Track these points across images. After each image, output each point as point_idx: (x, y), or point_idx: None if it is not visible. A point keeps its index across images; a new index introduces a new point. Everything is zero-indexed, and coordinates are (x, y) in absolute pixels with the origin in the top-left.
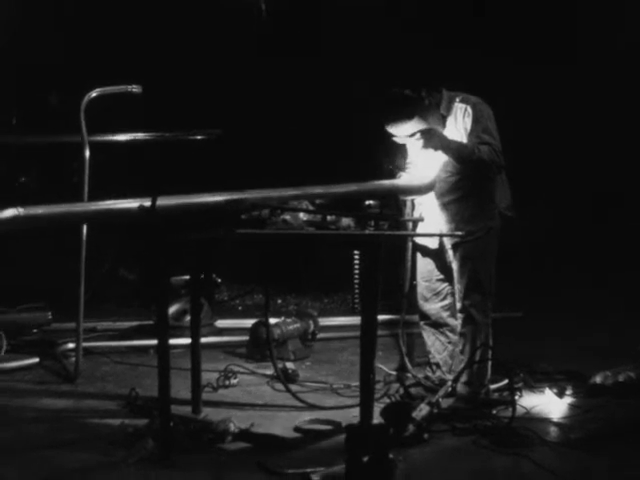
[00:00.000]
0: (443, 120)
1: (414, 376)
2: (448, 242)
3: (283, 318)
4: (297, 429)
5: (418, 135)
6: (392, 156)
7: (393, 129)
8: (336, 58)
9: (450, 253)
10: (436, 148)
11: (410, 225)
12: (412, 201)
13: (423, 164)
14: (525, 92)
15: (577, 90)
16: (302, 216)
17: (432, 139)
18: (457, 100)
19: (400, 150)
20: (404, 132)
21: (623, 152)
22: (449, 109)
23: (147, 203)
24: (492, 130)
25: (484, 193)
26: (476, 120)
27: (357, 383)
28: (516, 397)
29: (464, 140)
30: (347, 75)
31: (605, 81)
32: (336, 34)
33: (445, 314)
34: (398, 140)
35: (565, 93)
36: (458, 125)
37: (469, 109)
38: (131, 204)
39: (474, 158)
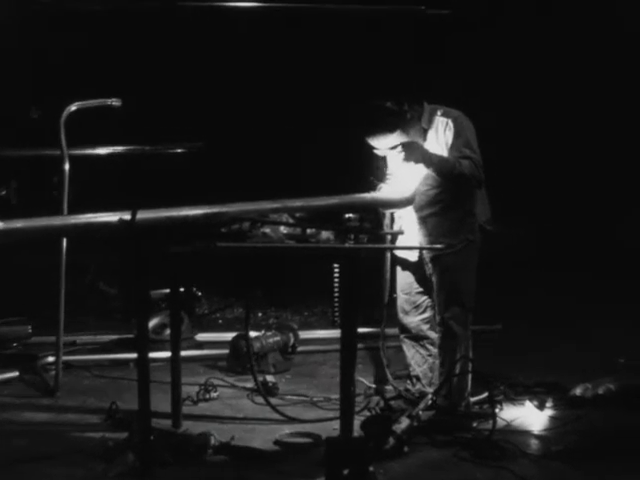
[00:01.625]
0: (424, 133)
1: (395, 387)
2: (427, 255)
3: (263, 331)
4: (277, 442)
5: (399, 148)
6: (372, 168)
7: (374, 141)
8: (317, 71)
9: (430, 266)
10: (417, 161)
11: (389, 238)
12: (391, 214)
13: (403, 176)
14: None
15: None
16: (282, 229)
17: (413, 152)
18: (438, 113)
19: (380, 162)
20: (385, 145)
21: (606, 162)
22: (430, 122)
23: (127, 216)
24: (473, 144)
25: (464, 206)
26: (457, 134)
27: (337, 396)
28: (496, 410)
29: (445, 154)
30: (327, 88)
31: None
32: (316, 47)
33: (425, 327)
34: (379, 152)
35: (548, 95)
36: (439, 139)
37: (450, 123)
38: (111, 217)
39: (455, 172)
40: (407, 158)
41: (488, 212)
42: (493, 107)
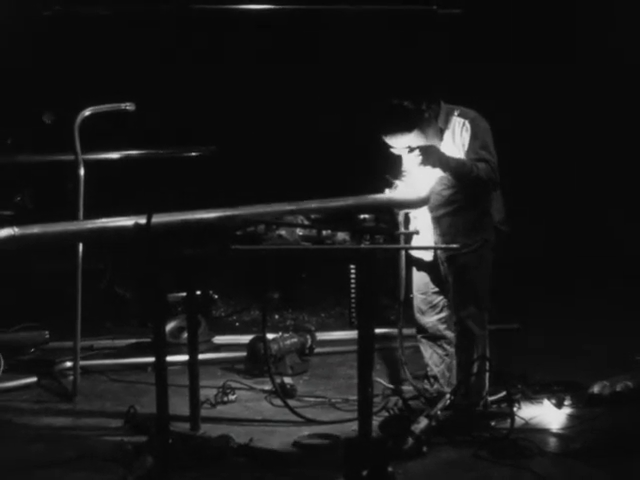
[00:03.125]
0: (441, 133)
1: (414, 386)
2: (443, 255)
3: (281, 333)
4: (296, 444)
5: (417, 152)
6: (388, 165)
7: (391, 140)
8: (333, 70)
9: (445, 266)
10: (434, 165)
11: (402, 238)
12: (406, 214)
13: (418, 176)
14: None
15: (575, 92)
16: (298, 231)
17: (431, 156)
18: (455, 114)
19: (396, 159)
20: (402, 144)
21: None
22: (447, 122)
23: (142, 220)
24: (490, 146)
25: (479, 206)
26: (474, 136)
27: (355, 397)
28: (514, 408)
29: (461, 155)
30: (344, 87)
31: (600, 85)
32: (332, 46)
33: (442, 327)
34: (395, 151)
35: (562, 96)
36: (456, 140)
37: (467, 124)
38: (126, 222)
39: (472, 176)
40: (424, 162)
41: (503, 212)
42: (508, 108)
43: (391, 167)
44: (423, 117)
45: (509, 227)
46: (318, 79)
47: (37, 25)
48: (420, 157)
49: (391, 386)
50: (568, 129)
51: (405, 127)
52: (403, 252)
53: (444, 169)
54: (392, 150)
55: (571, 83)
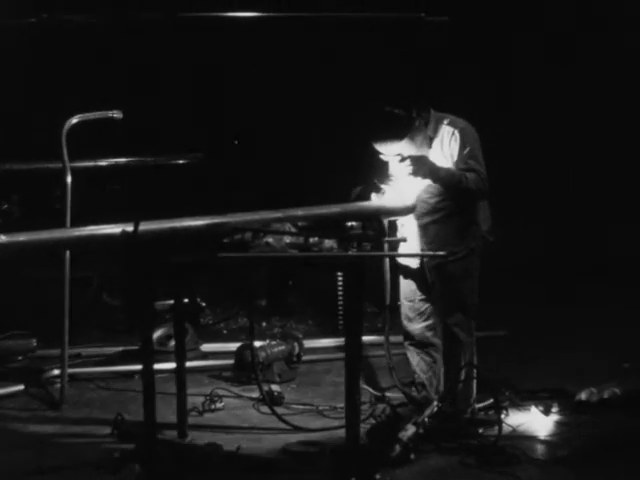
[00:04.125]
0: (430, 141)
1: (402, 391)
2: (430, 262)
3: (268, 341)
4: (284, 451)
5: (408, 162)
6: (376, 172)
7: (382, 147)
8: (320, 79)
9: (432, 273)
10: (425, 176)
11: (386, 246)
12: (394, 222)
13: (406, 183)
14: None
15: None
16: (285, 239)
17: (422, 167)
18: (445, 122)
19: (385, 166)
20: (392, 151)
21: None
22: (436, 131)
23: (130, 228)
24: (478, 156)
25: (465, 214)
26: (463, 146)
27: (343, 404)
28: (502, 415)
29: (450, 164)
30: (331, 95)
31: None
32: (321, 55)
33: (429, 334)
34: (384, 158)
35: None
36: (444, 149)
37: (457, 133)
38: (114, 229)
39: (462, 187)
40: (415, 173)
41: (489, 221)
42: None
43: (378, 172)
44: (414, 125)
45: (495, 236)
46: (307, 87)
47: (24, 32)
48: (411, 167)
49: (378, 393)
50: (564, 131)
51: (396, 135)
52: (387, 258)
53: (434, 180)
54: (381, 157)
55: (570, 84)
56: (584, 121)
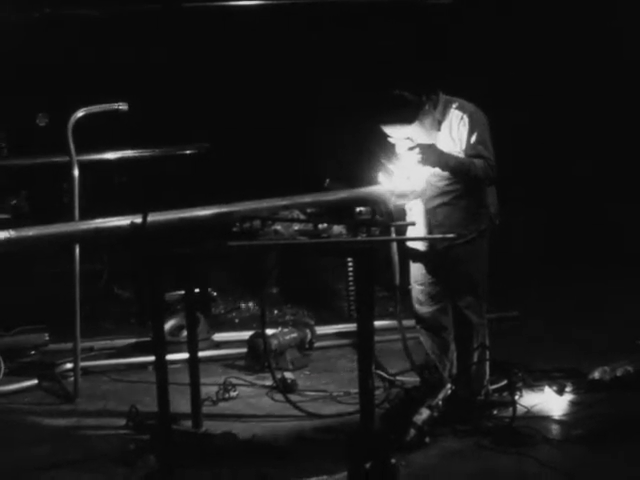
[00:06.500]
0: (438, 124)
1: (417, 373)
2: (439, 245)
3: (280, 328)
4: (299, 438)
5: (417, 150)
6: (385, 153)
7: (391, 131)
8: (326, 64)
9: (442, 256)
10: (434, 165)
11: (394, 230)
12: (402, 206)
13: (413, 167)
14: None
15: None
16: (294, 226)
17: (431, 156)
18: (453, 106)
19: (393, 149)
20: (401, 135)
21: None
22: (444, 114)
23: (138, 220)
24: (487, 141)
25: (473, 197)
26: (472, 131)
27: (356, 390)
28: (516, 396)
29: (458, 148)
30: (338, 79)
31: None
32: (323, 40)
33: (441, 316)
34: (393, 141)
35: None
36: (453, 133)
37: (465, 118)
38: (122, 221)
39: (470, 175)
40: (424, 161)
41: (496, 205)
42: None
43: (386, 152)
44: (423, 108)
45: (500, 220)
46: (312, 73)
47: (28, 27)
48: (420, 156)
49: (392, 378)
50: (568, 118)
51: (406, 118)
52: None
53: (443, 168)
54: (390, 140)
55: (573, 76)
56: (588, 109)
